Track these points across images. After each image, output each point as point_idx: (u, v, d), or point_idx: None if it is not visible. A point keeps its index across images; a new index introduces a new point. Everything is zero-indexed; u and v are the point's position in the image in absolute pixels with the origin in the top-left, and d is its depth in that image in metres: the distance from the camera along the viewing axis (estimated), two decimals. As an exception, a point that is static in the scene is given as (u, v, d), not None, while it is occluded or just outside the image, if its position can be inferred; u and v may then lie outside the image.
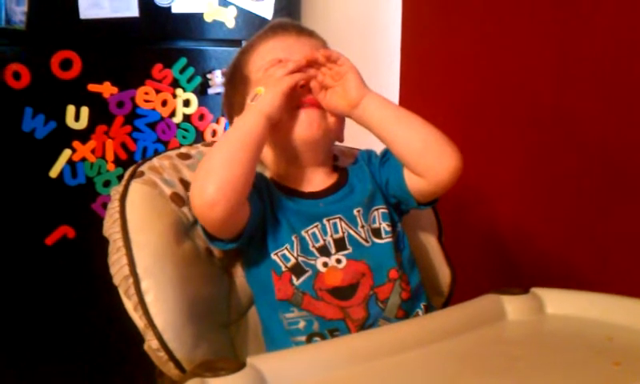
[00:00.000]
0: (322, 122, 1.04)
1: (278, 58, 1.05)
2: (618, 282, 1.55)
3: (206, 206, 0.91)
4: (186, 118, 1.79)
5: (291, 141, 1.04)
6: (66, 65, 1.62)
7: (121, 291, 0.96)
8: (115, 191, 1.03)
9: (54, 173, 1.64)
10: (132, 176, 1.04)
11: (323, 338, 0.96)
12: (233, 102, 1.11)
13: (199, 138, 1.80)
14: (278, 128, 1.02)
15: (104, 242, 1.01)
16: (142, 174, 1.05)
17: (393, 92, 2.06)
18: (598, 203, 1.63)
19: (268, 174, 1.11)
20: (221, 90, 1.78)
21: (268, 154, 1.09)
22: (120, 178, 1.05)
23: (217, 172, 0.92)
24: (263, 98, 0.99)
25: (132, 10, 1.68)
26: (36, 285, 1.65)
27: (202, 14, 1.79)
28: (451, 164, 0.98)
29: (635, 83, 1.55)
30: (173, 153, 1.12)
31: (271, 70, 1.04)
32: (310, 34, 1.12)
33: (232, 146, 0.95)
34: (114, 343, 1.64)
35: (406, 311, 1.00)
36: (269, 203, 1.03)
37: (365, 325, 0.97)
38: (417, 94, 2.02)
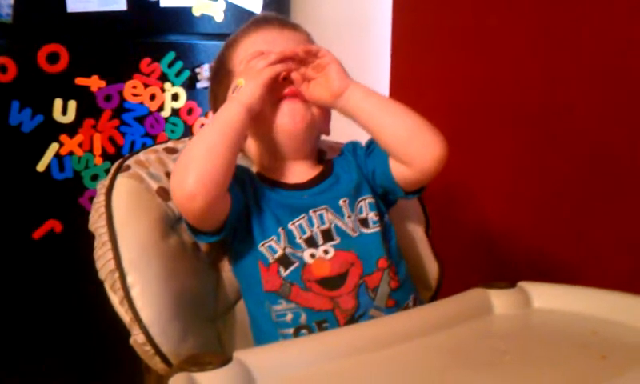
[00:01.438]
0: (305, 113, 1.04)
1: (259, 50, 1.05)
2: (603, 277, 1.56)
3: (186, 197, 0.91)
4: (175, 112, 1.78)
5: (274, 133, 1.04)
6: (53, 58, 1.61)
7: (106, 285, 0.95)
8: (101, 185, 1.03)
9: (41, 167, 1.63)
10: (118, 170, 1.04)
11: (310, 330, 0.96)
12: (217, 96, 1.11)
13: (188, 132, 1.80)
14: (261, 121, 1.02)
15: (91, 237, 1.00)
16: (128, 168, 1.04)
17: (383, 87, 2.06)
18: (584, 198, 1.64)
19: (254, 168, 1.11)
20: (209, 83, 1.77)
21: (252, 147, 1.08)
22: (108, 172, 1.05)
23: (196, 163, 0.92)
24: (243, 90, 0.99)
25: (120, 4, 1.67)
26: (23, 279, 1.64)
27: (191, 7, 1.78)
28: (436, 151, 0.99)
29: (624, 81, 1.56)
30: (159, 147, 1.12)
31: (252, 61, 1.03)
32: (294, 27, 1.12)
33: (212, 138, 0.95)
34: (101, 338, 1.63)
35: (397, 301, 1.00)
36: (252, 195, 1.02)
37: (355, 315, 0.97)
38: (407, 89, 2.03)
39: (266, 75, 0.99)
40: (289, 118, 1.03)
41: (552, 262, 1.66)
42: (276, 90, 1.02)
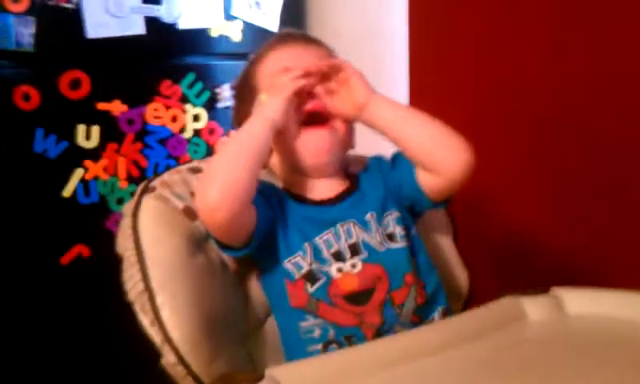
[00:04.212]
0: (330, 141, 1.04)
1: (285, 66, 1.05)
2: (635, 278, 1.54)
3: (209, 210, 0.91)
4: (197, 132, 1.80)
5: (300, 162, 1.04)
6: (74, 84, 1.63)
7: (136, 307, 0.95)
8: (127, 207, 1.03)
9: (67, 192, 1.64)
10: (143, 192, 1.04)
11: (340, 345, 0.96)
12: (242, 112, 1.11)
13: (210, 152, 1.80)
14: (286, 140, 1.02)
15: (119, 260, 1.01)
16: (154, 189, 1.05)
17: (401, 98, 2.06)
18: (613, 200, 1.62)
19: (279, 184, 1.11)
20: (229, 103, 1.78)
21: (277, 162, 1.09)
22: (133, 195, 1.05)
23: (219, 176, 0.92)
24: (268, 104, 1.00)
25: (138, 28, 1.69)
26: (52, 305, 1.65)
27: (209, 29, 1.79)
28: (463, 157, 0.98)
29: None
30: (183, 167, 1.12)
31: (277, 77, 1.04)
32: (318, 43, 1.13)
33: (234, 151, 0.96)
34: (130, 361, 1.64)
35: (420, 316, 1.00)
36: (279, 210, 1.02)
37: (380, 331, 0.96)
38: (426, 98, 2.02)
39: (290, 89, 0.99)
40: (314, 151, 1.04)
41: (582, 264, 1.64)
42: (300, 105, 1.03)
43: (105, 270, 1.51)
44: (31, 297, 1.63)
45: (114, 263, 1.01)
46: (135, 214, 1.01)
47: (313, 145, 1.04)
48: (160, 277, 0.95)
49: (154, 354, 0.96)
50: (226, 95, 1.80)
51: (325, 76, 1.03)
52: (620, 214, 1.61)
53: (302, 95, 1.02)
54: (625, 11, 1.57)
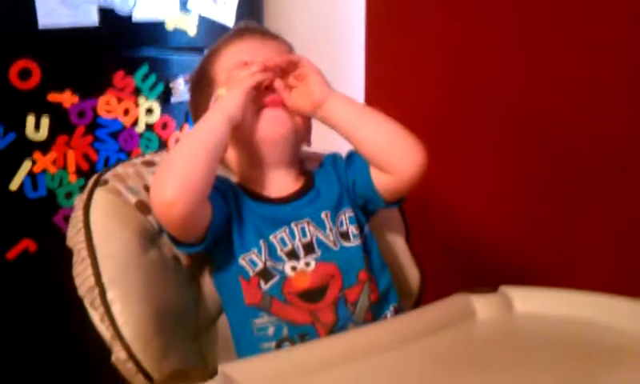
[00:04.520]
0: (287, 120, 1.04)
1: (243, 60, 1.05)
2: (583, 278, 1.58)
3: (165, 205, 0.90)
4: (149, 127, 1.77)
5: (256, 141, 1.03)
6: (24, 74, 1.58)
7: (86, 302, 0.94)
8: (79, 200, 1.01)
9: (14, 185, 1.60)
10: (96, 184, 1.03)
11: (293, 343, 0.96)
12: (198, 105, 1.11)
13: (162, 147, 1.78)
14: (243, 129, 1.01)
15: (66, 256, 0.99)
16: (106, 182, 1.03)
17: (357, 96, 2.07)
18: (562, 202, 1.66)
19: (234, 178, 1.10)
20: (183, 97, 1.77)
21: (233, 157, 1.08)
22: (82, 189, 1.03)
23: (176, 172, 0.91)
24: (225, 99, 1.00)
25: (92, 19, 1.65)
26: (-3, 300, 1.61)
27: (164, 21, 1.77)
28: (417, 158, 0.99)
29: (604, 86, 1.58)
30: (137, 160, 1.11)
31: (234, 71, 1.03)
32: (276, 37, 1.13)
33: (191, 146, 0.95)
34: (79, 358, 1.61)
35: (374, 314, 1.00)
36: (235, 207, 1.02)
37: (334, 329, 0.96)
38: (382, 95, 2.04)
39: (248, 84, 0.99)
40: (271, 125, 1.03)
41: (533, 265, 1.67)
42: (257, 99, 1.02)
43: (51, 266, 1.48)
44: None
45: (61, 259, 0.99)
46: (87, 208, 0.99)
47: (271, 120, 1.03)
48: (111, 272, 0.93)
49: (102, 351, 0.94)
50: (180, 89, 1.78)
51: (283, 71, 1.03)
52: (571, 214, 1.65)
53: (260, 89, 1.02)
54: (590, 11, 1.60)
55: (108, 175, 1.05)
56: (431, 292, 1.15)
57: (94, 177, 1.05)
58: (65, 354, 1.67)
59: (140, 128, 1.76)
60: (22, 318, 1.64)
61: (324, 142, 1.13)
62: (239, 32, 1.12)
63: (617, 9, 1.55)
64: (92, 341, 0.95)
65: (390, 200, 1.05)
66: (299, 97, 1.03)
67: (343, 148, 1.10)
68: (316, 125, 1.08)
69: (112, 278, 0.93)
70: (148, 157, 1.12)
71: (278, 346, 0.96)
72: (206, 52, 1.14)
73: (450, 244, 1.88)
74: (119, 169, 1.07)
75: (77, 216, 0.99)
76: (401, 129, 1.01)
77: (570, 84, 1.63)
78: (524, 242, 1.72)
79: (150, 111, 1.76)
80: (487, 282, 1.00)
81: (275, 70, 1.03)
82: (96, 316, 0.93)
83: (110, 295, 0.92)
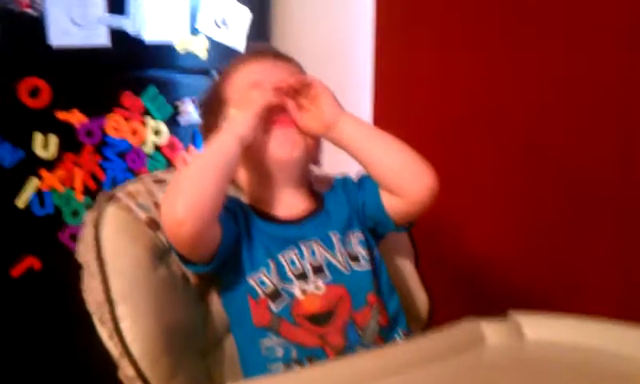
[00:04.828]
0: (299, 140, 1.04)
1: (254, 80, 1.06)
2: (592, 303, 1.57)
3: (175, 224, 0.90)
4: (157, 147, 1.77)
5: (267, 160, 1.04)
6: (34, 92, 1.60)
7: (95, 318, 0.94)
8: (90, 216, 1.01)
9: (21, 202, 1.60)
10: (107, 201, 1.02)
11: (302, 365, 0.95)
12: (210, 125, 1.11)
13: (170, 168, 1.78)
14: (254, 148, 1.02)
15: (71, 274, 0.98)
16: (117, 198, 1.03)
17: (365, 114, 2.07)
18: (572, 227, 1.66)
19: (244, 198, 1.10)
20: (191, 119, 1.77)
21: (243, 176, 1.08)
22: (89, 207, 1.03)
23: (186, 191, 0.91)
24: (237, 120, 1.00)
25: (102, 38, 1.67)
26: (1, 317, 1.60)
27: (174, 43, 1.78)
28: (429, 182, 1.00)
29: (614, 115, 1.58)
30: (148, 177, 1.11)
31: (246, 92, 1.04)
32: (288, 59, 1.13)
33: (202, 166, 0.95)
34: (84, 375, 1.60)
35: (384, 338, 1.00)
36: (244, 226, 1.02)
37: (343, 352, 0.96)
38: (390, 116, 2.04)
39: (260, 105, 1.00)
40: (282, 145, 1.03)
41: (542, 290, 1.67)
42: (269, 119, 1.03)
43: (56, 284, 1.48)
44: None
45: (67, 276, 0.99)
46: (97, 223, 0.99)
47: (282, 136, 1.03)
48: (121, 288, 0.93)
49: (107, 370, 0.94)
50: (188, 111, 1.79)
51: (295, 92, 1.04)
52: (581, 239, 1.65)
53: (272, 110, 1.02)
54: (603, 39, 1.60)
55: (120, 192, 1.05)
56: (440, 317, 1.14)
57: (105, 194, 1.05)
58: (69, 372, 1.65)
59: (148, 148, 1.76)
60: (27, 334, 1.63)
61: (336, 162, 1.13)
62: (252, 53, 1.13)
63: (630, 35, 1.56)
64: (97, 358, 0.95)
65: (400, 223, 1.05)
66: (310, 118, 1.04)
67: (353, 169, 1.10)
68: (327, 146, 1.08)
69: (122, 293, 0.93)
70: (159, 175, 1.13)
71: (286, 368, 0.95)
72: (218, 73, 1.14)
73: (458, 269, 1.87)
74: (130, 186, 1.07)
75: (88, 232, 0.99)
76: (412, 152, 1.01)
77: (583, 109, 1.63)
78: (533, 266, 1.72)
79: (157, 132, 1.77)
80: (496, 306, 0.99)
81: (287, 91, 1.03)
82: (104, 332, 0.92)
83: (119, 311, 0.92)
